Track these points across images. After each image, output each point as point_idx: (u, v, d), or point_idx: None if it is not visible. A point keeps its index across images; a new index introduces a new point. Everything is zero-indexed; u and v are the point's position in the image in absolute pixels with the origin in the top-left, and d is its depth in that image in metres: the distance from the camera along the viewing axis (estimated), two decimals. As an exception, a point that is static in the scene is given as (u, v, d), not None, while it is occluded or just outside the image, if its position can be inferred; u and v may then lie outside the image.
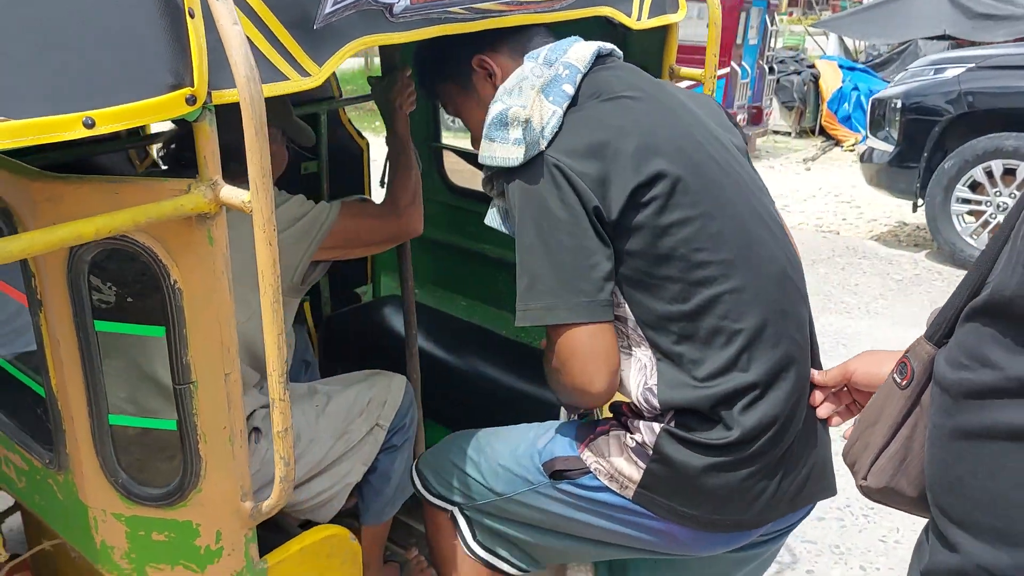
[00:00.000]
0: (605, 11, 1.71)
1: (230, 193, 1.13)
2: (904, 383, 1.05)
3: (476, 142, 1.50)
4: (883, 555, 3.03)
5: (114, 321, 1.25)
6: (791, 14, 23.47)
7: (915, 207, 6.15)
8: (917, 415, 1.06)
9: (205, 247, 1.17)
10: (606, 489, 1.43)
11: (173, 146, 1.90)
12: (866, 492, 1.11)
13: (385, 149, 2.01)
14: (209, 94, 1.08)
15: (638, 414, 1.43)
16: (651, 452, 1.38)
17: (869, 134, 6.33)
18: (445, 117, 2.50)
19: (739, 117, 9.98)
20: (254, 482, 1.53)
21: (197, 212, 1.13)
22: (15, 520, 2.04)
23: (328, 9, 1.24)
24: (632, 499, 1.41)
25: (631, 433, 1.42)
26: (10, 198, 1.22)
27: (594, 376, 1.33)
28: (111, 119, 1.00)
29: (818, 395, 1.45)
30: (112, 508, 1.37)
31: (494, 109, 1.39)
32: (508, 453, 1.55)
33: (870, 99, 6.48)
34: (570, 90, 1.39)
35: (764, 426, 1.36)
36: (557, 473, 1.47)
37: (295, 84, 1.20)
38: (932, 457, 0.98)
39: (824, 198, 8.37)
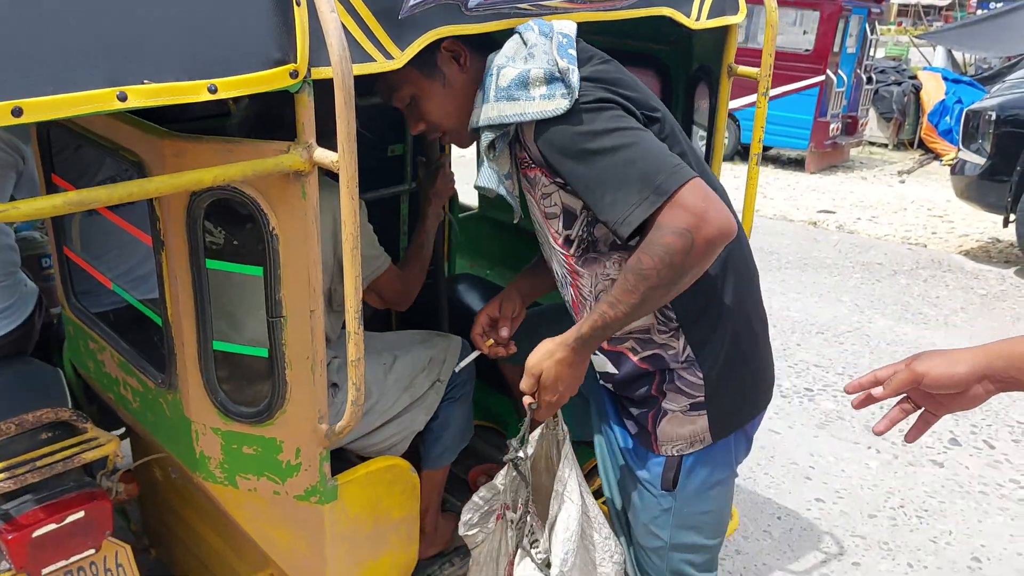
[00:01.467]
0: (665, 11, 1.87)
1: (322, 154, 1.34)
2: None
3: (437, 128, 1.66)
4: (932, 555, 3.07)
5: (222, 260, 1.49)
6: (900, 24, 22.78)
7: (1006, 222, 6.01)
8: None
9: (299, 200, 1.39)
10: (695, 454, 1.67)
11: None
12: None
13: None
14: (308, 70, 1.30)
15: (659, 383, 1.64)
16: (702, 399, 1.63)
17: (961, 146, 6.23)
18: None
19: (832, 126, 9.84)
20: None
21: (294, 170, 1.35)
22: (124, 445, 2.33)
23: (412, 2, 1.44)
24: (714, 440, 1.66)
25: (673, 403, 1.64)
26: (143, 153, 1.47)
27: (727, 212, 1.41)
28: (230, 87, 1.23)
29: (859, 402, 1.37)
30: (211, 423, 1.61)
31: (509, 73, 1.48)
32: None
33: (964, 111, 6.36)
34: (574, 53, 1.49)
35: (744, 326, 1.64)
36: (665, 482, 1.69)
37: (380, 65, 1.41)
38: None
39: (916, 211, 8.21)
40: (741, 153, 10.39)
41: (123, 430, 2.29)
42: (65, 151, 1.96)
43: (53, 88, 1.07)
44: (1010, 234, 6.33)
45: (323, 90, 1.32)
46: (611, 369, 1.69)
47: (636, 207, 1.40)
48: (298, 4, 1.28)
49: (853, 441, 3.84)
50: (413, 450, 2.12)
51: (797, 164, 10.11)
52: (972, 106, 6.35)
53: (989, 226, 7.23)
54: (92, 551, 1.67)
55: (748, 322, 1.67)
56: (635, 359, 1.65)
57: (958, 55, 13.72)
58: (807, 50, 9.42)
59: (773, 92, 10.20)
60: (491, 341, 1.82)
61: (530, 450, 1.65)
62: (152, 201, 1.49)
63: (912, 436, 1.35)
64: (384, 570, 1.80)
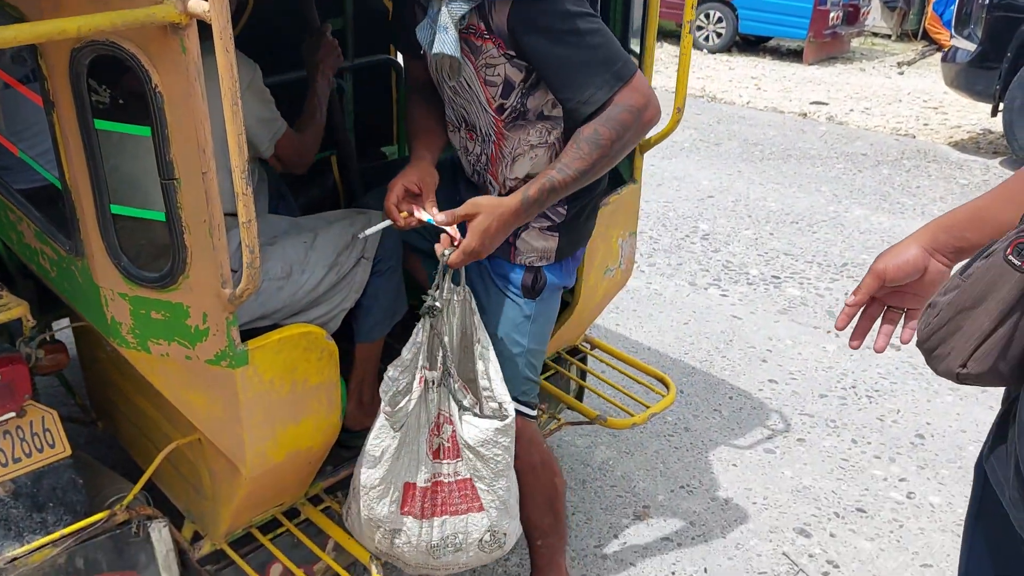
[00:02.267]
0: None
1: (195, 4, 1.30)
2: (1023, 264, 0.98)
3: None
4: (877, 432, 3.14)
5: (110, 120, 1.46)
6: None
7: (994, 111, 5.90)
8: None
9: (179, 55, 1.35)
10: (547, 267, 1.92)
11: None
12: (961, 378, 1.06)
13: None
14: (177, -86, 1.24)
15: None
16: (559, 223, 1.88)
17: (953, 32, 6.04)
18: None
19: (832, 15, 9.53)
20: (258, 305, 1.83)
21: (169, 21, 1.31)
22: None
23: None
24: (555, 260, 1.92)
25: (541, 222, 1.86)
26: (23, 7, 1.42)
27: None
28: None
29: (844, 319, 1.39)
30: (118, 288, 1.62)
31: None
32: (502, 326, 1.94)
33: (959, -6, 6.16)
34: None
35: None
36: (527, 290, 1.92)
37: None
38: None
39: (910, 103, 8.06)
40: (739, 44, 10.11)
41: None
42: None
43: None
44: (1000, 124, 6.23)
45: None
46: None
47: (599, 89, 1.60)
48: None
49: (813, 326, 3.88)
50: (346, 327, 2.15)
51: (796, 55, 9.87)
52: (967, -11, 6.13)
53: (983, 117, 7.10)
54: (12, 415, 1.71)
55: (603, 178, 1.88)
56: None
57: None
58: (808, -68, 9.05)
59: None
60: (405, 212, 1.80)
61: (443, 297, 1.70)
62: (38, 59, 1.46)
63: (881, 344, 1.37)
64: (305, 434, 1.84)
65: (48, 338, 1.89)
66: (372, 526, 1.86)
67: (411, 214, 1.79)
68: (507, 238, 1.79)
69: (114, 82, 1.45)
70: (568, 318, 2.34)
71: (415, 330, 1.79)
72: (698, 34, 9.98)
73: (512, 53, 1.65)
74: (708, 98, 7.91)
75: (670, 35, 9.62)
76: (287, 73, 2.39)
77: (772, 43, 10.36)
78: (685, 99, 2.18)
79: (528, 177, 1.80)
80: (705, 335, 3.79)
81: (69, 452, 1.81)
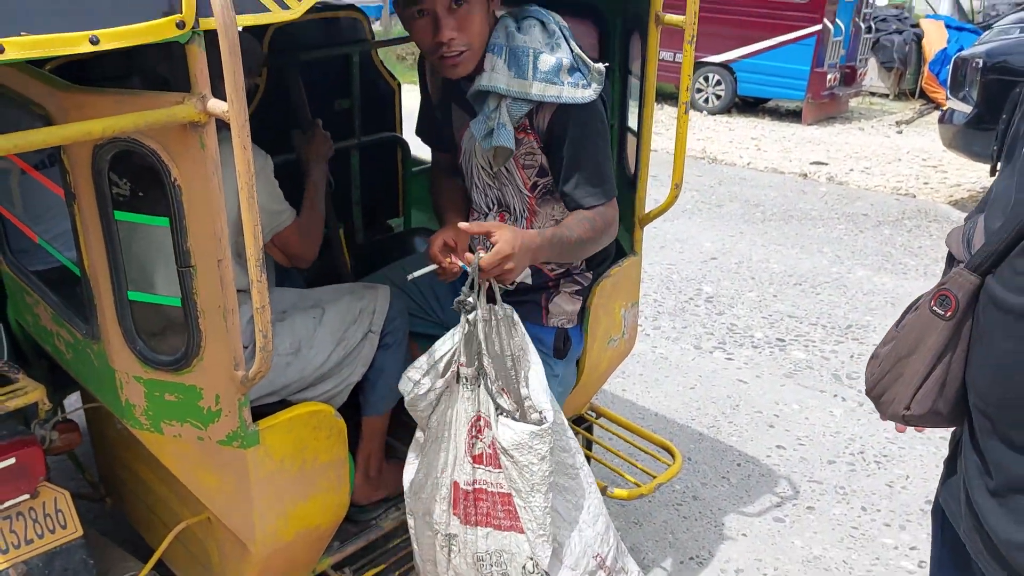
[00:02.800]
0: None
1: (215, 105, 1.36)
2: (948, 315, 1.10)
3: (471, 61, 1.86)
4: (887, 498, 3.12)
5: (129, 211, 1.52)
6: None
7: (993, 170, 5.96)
8: (957, 339, 1.12)
9: (198, 151, 1.41)
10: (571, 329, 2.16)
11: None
12: (907, 420, 1.18)
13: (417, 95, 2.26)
14: (197, 20, 1.31)
15: (566, 273, 2.13)
16: (584, 286, 2.17)
17: (949, 94, 6.16)
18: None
19: (829, 76, 9.71)
20: (267, 383, 1.85)
21: (189, 120, 1.37)
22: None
23: (309, -49, 1.44)
24: (576, 323, 2.18)
25: (570, 286, 2.14)
26: (49, 107, 1.49)
27: None
28: (113, 38, 1.24)
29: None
30: (133, 371, 1.66)
31: (547, 59, 1.82)
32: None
33: (953, 58, 6.28)
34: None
35: None
36: (558, 351, 2.14)
37: (275, 15, 1.41)
38: (995, 377, 1.05)
39: (910, 162, 8.15)
40: (739, 105, 10.29)
41: (71, 385, 2.35)
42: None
43: (-78, 42, 1.09)
44: (998, 183, 6.29)
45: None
46: (527, 280, 2.09)
47: (591, 197, 1.94)
48: (183, -46, 1.29)
49: (820, 390, 3.88)
50: (354, 398, 2.18)
51: (794, 116, 10.02)
52: (961, 53, 6.27)
53: (982, 175, 7.18)
54: (26, 496, 1.73)
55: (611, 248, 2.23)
56: (548, 271, 2.12)
57: (965, 2, 13.46)
58: (803, -1, 9.28)
59: (769, 42, 10.09)
60: (450, 259, 1.89)
61: (480, 300, 1.77)
62: (61, 155, 1.52)
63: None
64: (314, 512, 1.86)
65: (62, 418, 1.92)
66: (431, 533, 1.92)
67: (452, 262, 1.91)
68: (540, 304, 2.11)
69: (134, 175, 1.51)
70: (573, 388, 2.36)
71: (450, 332, 1.83)
72: (697, 96, 10.17)
73: (545, 146, 1.94)
74: (709, 159, 8.02)
75: (669, 97, 9.80)
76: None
77: (771, 104, 10.54)
78: (683, 175, 2.23)
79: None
80: (711, 400, 3.79)
81: (81, 533, 1.82)
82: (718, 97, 10.13)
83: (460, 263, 1.85)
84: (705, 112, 10.09)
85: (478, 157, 2.00)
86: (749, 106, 10.41)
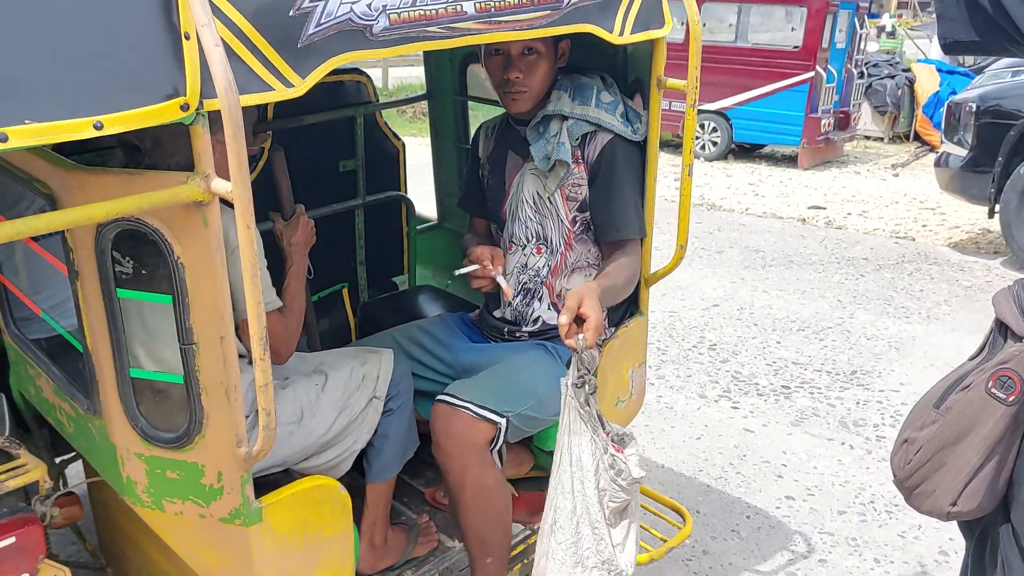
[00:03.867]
0: (587, 28, 1.88)
1: (218, 185, 1.36)
2: (1011, 398, 0.98)
3: (531, 101, 2.14)
4: (899, 550, 3.07)
5: (132, 289, 1.51)
6: (900, 16, 22.57)
7: (991, 212, 6.00)
8: (1015, 424, 1.00)
9: (201, 229, 1.41)
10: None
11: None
12: (950, 516, 1.04)
13: (426, 153, 2.33)
14: (201, 102, 1.32)
15: None
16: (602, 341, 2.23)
17: (944, 138, 6.21)
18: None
19: (824, 122, 9.82)
20: (269, 457, 1.82)
21: (193, 200, 1.37)
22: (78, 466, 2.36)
23: (312, 30, 1.46)
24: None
25: None
26: (53, 185, 1.49)
27: None
28: (116, 123, 1.25)
29: None
30: (135, 448, 1.64)
31: (606, 96, 2.13)
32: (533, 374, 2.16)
33: (946, 103, 6.35)
34: None
35: None
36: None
37: (280, 94, 1.42)
38: None
39: (907, 205, 8.19)
40: (735, 151, 10.38)
41: (74, 452, 2.32)
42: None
43: (-72, 133, 1.10)
44: (999, 224, 6.32)
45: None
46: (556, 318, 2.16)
47: (631, 229, 2.15)
48: (187, 38, 1.30)
49: (827, 438, 3.84)
50: (357, 464, 2.15)
51: (791, 161, 10.09)
52: (954, 98, 6.35)
53: (980, 217, 7.20)
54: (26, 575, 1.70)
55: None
56: None
57: (954, 45, 13.62)
58: (796, 46, 9.41)
59: (764, 89, 10.21)
60: (490, 264, 2.15)
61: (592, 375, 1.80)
62: (64, 232, 1.52)
63: None
64: (319, 587, 1.82)
65: (63, 491, 1.89)
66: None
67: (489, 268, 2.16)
68: None
69: (137, 254, 1.50)
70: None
71: (562, 413, 1.84)
72: (695, 143, 10.26)
73: (591, 177, 2.13)
74: (707, 206, 8.06)
75: (666, 144, 9.89)
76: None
77: (767, 149, 10.63)
78: (687, 238, 2.24)
79: None
80: (718, 450, 3.75)
81: (80, 612, 1.78)
82: (715, 144, 10.22)
83: (501, 280, 2.17)
84: (702, 159, 10.17)
85: (524, 191, 2.23)
86: (745, 152, 10.50)
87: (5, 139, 1.16)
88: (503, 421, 2.08)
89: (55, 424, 1.96)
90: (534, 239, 2.25)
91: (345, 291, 2.92)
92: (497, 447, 2.12)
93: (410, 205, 3.03)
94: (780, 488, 3.46)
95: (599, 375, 2.20)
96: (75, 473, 2.52)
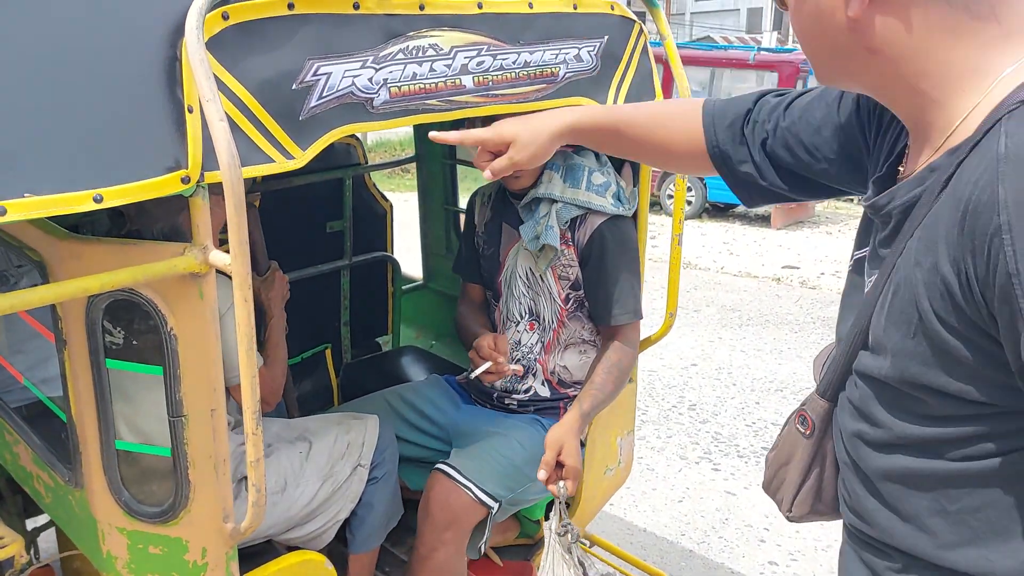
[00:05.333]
0: (581, 101, 1.91)
1: (216, 257, 1.35)
2: (808, 433, 1.18)
3: (525, 179, 2.12)
4: None
5: (122, 360, 1.48)
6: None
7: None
8: (822, 453, 1.19)
9: (197, 301, 1.39)
10: None
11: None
12: (791, 520, 1.27)
13: (406, 209, 2.32)
14: (202, 175, 1.31)
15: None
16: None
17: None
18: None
19: (796, 181, 10.03)
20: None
21: (190, 271, 1.36)
22: (51, 534, 2.28)
23: (313, 103, 1.47)
24: None
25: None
26: (45, 253, 1.47)
27: None
28: (116, 196, 1.24)
29: None
30: (116, 523, 1.58)
31: (598, 178, 2.10)
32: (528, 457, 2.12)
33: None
34: None
35: None
36: None
37: (280, 166, 1.42)
38: (850, 491, 1.11)
39: (878, 264, 8.34)
40: (709, 210, 10.55)
41: (48, 518, 2.25)
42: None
43: (-74, 205, 1.08)
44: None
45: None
46: (546, 393, 2.26)
47: (626, 313, 2.11)
48: (190, 111, 1.30)
49: (808, 504, 3.82)
50: (339, 532, 2.10)
51: (764, 220, 10.26)
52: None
53: (949, 279, 7.34)
54: (-5, 656, 1.63)
55: None
56: (562, 389, 2.26)
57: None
58: (768, 108, 9.63)
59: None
60: (502, 358, 2.09)
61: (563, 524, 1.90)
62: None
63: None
64: (302, 666, 1.76)
65: (38, 564, 1.82)
66: None
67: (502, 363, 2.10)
68: (558, 408, 2.22)
69: (128, 324, 1.47)
70: (569, 517, 2.30)
71: (545, 555, 1.92)
72: (668, 203, 10.40)
73: (582, 260, 2.12)
74: (683, 264, 8.15)
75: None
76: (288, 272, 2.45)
77: (740, 209, 10.80)
78: (677, 305, 2.25)
79: (567, 369, 2.22)
80: (700, 513, 3.72)
81: None
82: (689, 203, 10.38)
83: (513, 369, 2.12)
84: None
85: (518, 267, 2.20)
86: (719, 211, 10.66)
87: (3, 212, 1.14)
88: (496, 505, 2.08)
89: (31, 493, 1.90)
90: (527, 315, 2.23)
91: (328, 352, 2.89)
92: (486, 531, 2.12)
93: (396, 265, 3.03)
94: (763, 553, 3.44)
95: (588, 442, 2.18)
96: (46, 538, 2.44)
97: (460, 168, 3.00)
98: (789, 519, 1.27)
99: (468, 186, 2.46)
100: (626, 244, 2.13)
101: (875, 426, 1.02)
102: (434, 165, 3.00)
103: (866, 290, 1.08)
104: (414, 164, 3.09)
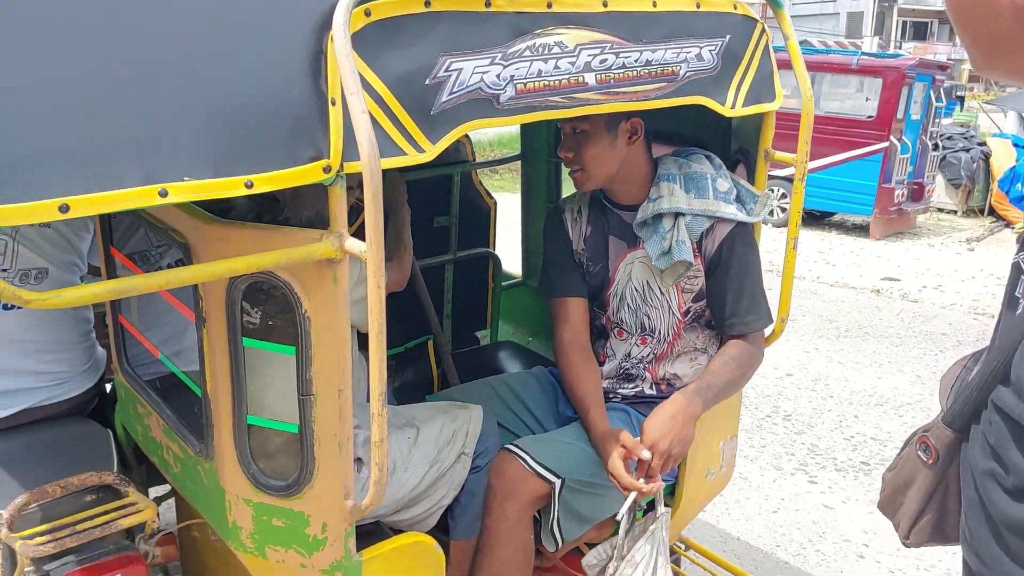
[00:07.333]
0: (700, 100, 1.91)
1: (352, 244, 1.41)
2: (930, 462, 1.13)
3: (590, 181, 2.08)
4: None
5: (257, 339, 1.56)
6: (971, 90, 22.27)
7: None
8: (945, 483, 1.14)
9: (331, 285, 1.45)
10: None
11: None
12: (909, 547, 1.24)
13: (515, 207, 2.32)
14: (342, 165, 1.37)
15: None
16: None
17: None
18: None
19: (897, 192, 9.68)
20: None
21: (326, 257, 1.42)
22: (170, 503, 2.41)
23: (444, 98, 1.51)
24: None
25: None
26: (190, 236, 1.56)
27: None
28: (265, 182, 1.31)
29: None
30: (243, 494, 1.67)
31: (722, 184, 2.06)
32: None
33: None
34: None
35: None
36: None
37: (411, 159, 1.47)
38: (973, 531, 1.02)
39: (984, 280, 7.98)
40: (804, 218, 10.30)
41: (169, 489, 2.37)
42: (123, 225, 2.08)
43: (98, 185, 1.16)
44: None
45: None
46: (652, 392, 2.22)
47: (759, 319, 2.11)
48: (333, 104, 1.36)
49: (909, 523, 3.70)
50: (443, 519, 2.14)
51: (862, 230, 9.96)
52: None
53: (1063, 297, 6.97)
54: (126, 614, 1.73)
55: None
56: (666, 389, 2.20)
57: (1032, 119, 13.40)
58: (870, 116, 9.35)
59: (836, 157, 10.12)
60: (645, 485, 1.91)
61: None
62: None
63: None
64: (408, 645, 1.81)
65: (162, 531, 1.93)
66: None
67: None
68: None
69: (265, 305, 1.55)
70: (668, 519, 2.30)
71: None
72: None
73: (708, 269, 2.08)
74: (777, 272, 7.96)
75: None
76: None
77: (837, 217, 10.51)
78: (789, 310, 2.22)
79: (678, 376, 2.19)
80: (796, 525, 3.64)
81: (174, 654, 1.80)
82: (783, 210, 10.14)
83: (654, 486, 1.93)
84: (770, 224, 10.09)
85: (633, 280, 2.15)
86: (815, 219, 10.39)
87: (165, 194, 1.22)
88: (558, 482, 2.02)
89: (159, 463, 2.01)
90: (639, 330, 2.18)
91: (430, 344, 2.95)
92: (554, 514, 2.05)
93: (497, 262, 3.07)
94: (862, 569, 3.35)
95: (690, 448, 2.17)
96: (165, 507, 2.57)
97: (564, 167, 3.02)
98: (906, 544, 1.23)
99: (570, 188, 2.45)
100: (753, 249, 2.11)
101: (1010, 471, 0.93)
102: (539, 163, 3.03)
103: (1018, 311, 0.99)
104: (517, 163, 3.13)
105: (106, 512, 1.76)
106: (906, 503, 1.19)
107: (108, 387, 2.43)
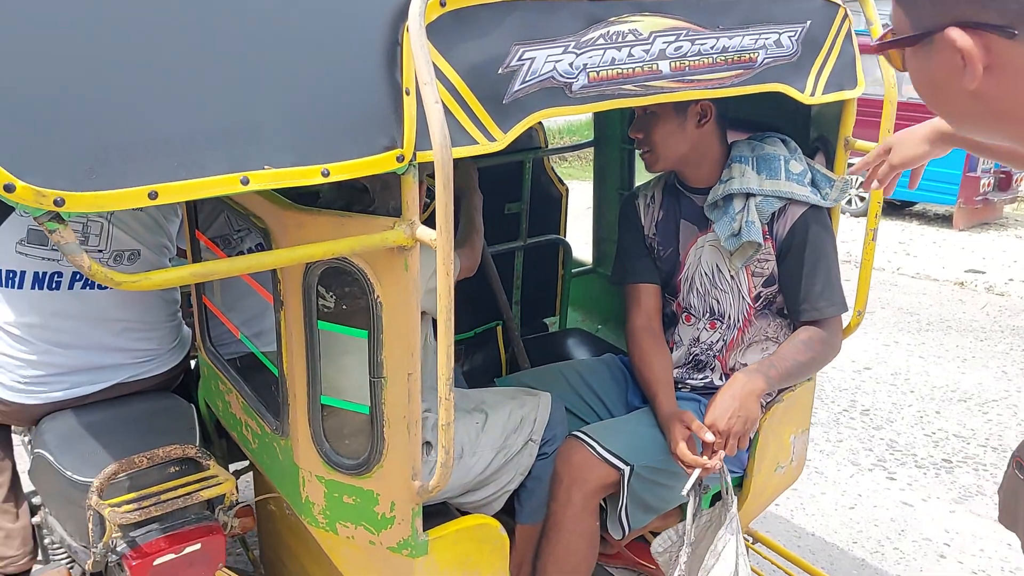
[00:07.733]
0: (779, 87, 1.87)
1: (423, 232, 1.44)
2: None
3: (658, 163, 2.10)
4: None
5: (332, 322, 1.60)
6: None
7: None
8: None
9: (402, 271, 1.49)
10: None
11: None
12: None
13: (585, 195, 2.33)
14: (414, 155, 1.40)
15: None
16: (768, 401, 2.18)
17: None
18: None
19: (983, 181, 9.25)
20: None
21: (398, 244, 1.45)
22: (248, 477, 2.51)
23: (516, 87, 1.52)
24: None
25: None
26: (269, 221, 1.61)
27: None
28: (341, 171, 1.34)
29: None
30: (316, 471, 1.72)
31: (796, 166, 2.04)
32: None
33: None
34: None
35: None
36: None
37: (482, 148, 1.49)
38: None
39: (1079, 273, 7.59)
40: (884, 207, 9.96)
41: (247, 463, 2.47)
42: (207, 209, 2.16)
43: (185, 173, 1.21)
44: None
45: None
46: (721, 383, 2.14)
47: (831, 306, 2.06)
48: (407, 93, 1.38)
49: (995, 519, 3.57)
50: (509, 503, 2.18)
51: (944, 220, 9.57)
52: None
53: None
54: (206, 582, 1.81)
55: None
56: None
57: None
58: (959, 100, 8.95)
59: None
60: (708, 461, 1.93)
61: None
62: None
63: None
64: (472, 625, 1.85)
65: (240, 503, 2.01)
66: None
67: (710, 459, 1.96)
68: None
69: (339, 290, 1.59)
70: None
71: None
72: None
73: (780, 253, 2.05)
74: (855, 263, 7.73)
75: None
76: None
77: (918, 207, 10.12)
78: (866, 303, 2.16)
79: (747, 366, 2.10)
80: (873, 522, 3.56)
81: (251, 621, 1.88)
82: (862, 199, 9.82)
83: (717, 457, 1.94)
84: (848, 214, 9.78)
85: (703, 264, 2.14)
86: (895, 208, 10.03)
87: (247, 182, 1.27)
88: (627, 469, 2.02)
89: (238, 439, 2.09)
90: (708, 314, 2.18)
91: (499, 329, 2.98)
92: (622, 502, 2.05)
93: (568, 249, 3.07)
94: (943, 569, 3.25)
95: (760, 437, 2.14)
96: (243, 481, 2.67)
97: (637, 154, 3.00)
98: None
99: (644, 176, 2.43)
100: (828, 233, 2.07)
101: None
102: (612, 150, 3.02)
103: None
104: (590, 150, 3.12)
105: (188, 484, 1.85)
106: (1020, 518, 1.19)
107: (192, 364, 2.54)
